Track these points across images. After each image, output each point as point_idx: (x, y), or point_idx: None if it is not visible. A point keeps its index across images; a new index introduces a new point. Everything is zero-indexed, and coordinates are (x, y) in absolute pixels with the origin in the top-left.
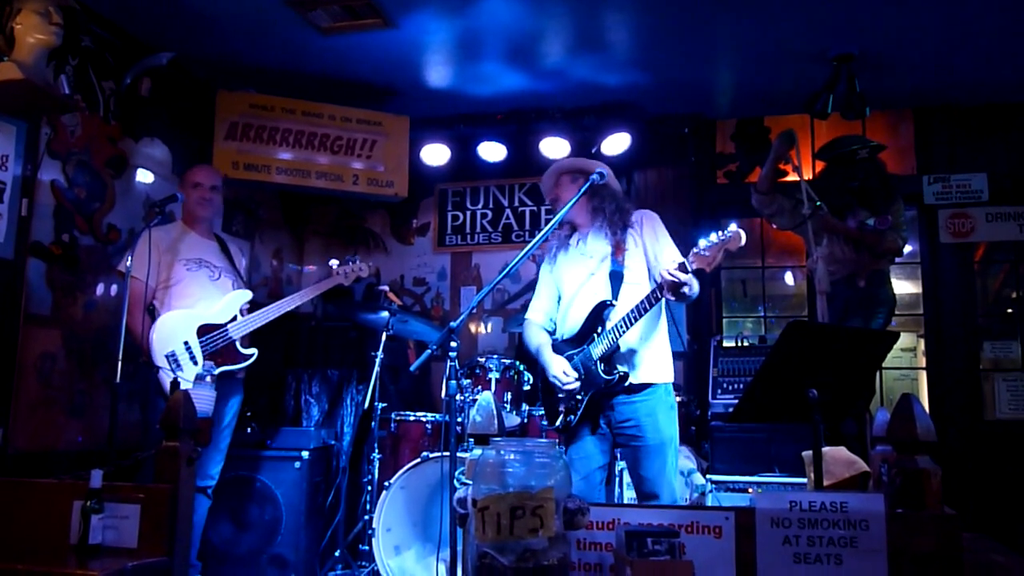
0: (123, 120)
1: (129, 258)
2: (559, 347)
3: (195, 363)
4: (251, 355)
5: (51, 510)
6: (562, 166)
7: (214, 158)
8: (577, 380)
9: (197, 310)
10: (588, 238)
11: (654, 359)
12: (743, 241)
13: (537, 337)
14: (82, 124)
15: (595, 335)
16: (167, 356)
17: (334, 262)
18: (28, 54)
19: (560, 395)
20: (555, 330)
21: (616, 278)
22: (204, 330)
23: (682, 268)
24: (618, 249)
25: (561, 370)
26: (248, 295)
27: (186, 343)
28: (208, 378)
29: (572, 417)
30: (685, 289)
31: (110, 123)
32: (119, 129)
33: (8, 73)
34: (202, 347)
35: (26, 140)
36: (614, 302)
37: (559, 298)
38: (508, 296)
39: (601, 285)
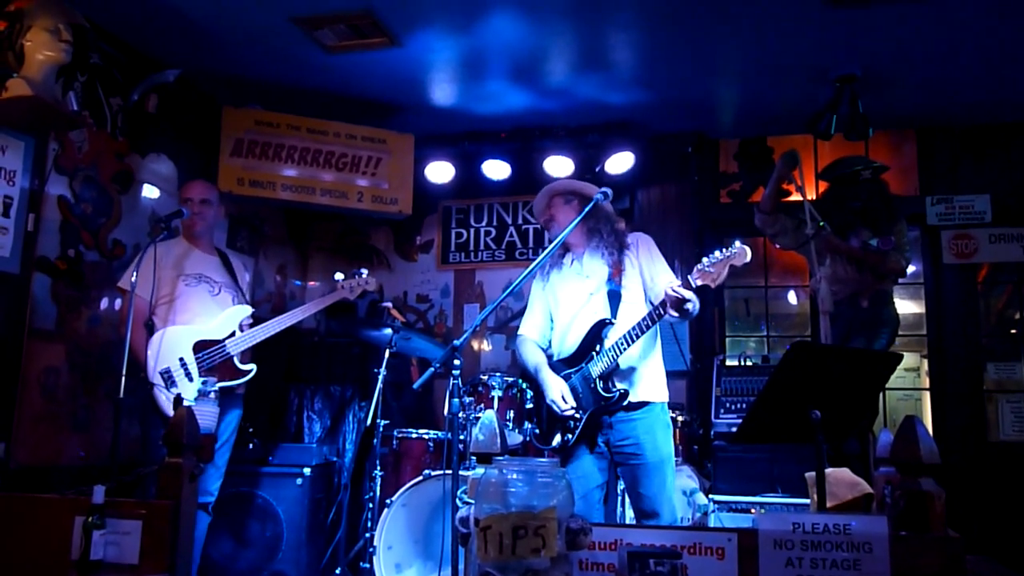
0: (130, 136)
1: (135, 274)
2: (556, 366)
3: (191, 379)
4: (250, 371)
5: (53, 525)
6: (555, 187)
7: (219, 174)
8: (574, 408)
9: (194, 326)
10: (584, 259)
11: (651, 378)
12: (748, 257)
13: (534, 355)
14: (89, 140)
15: (594, 353)
16: (162, 373)
17: (339, 275)
18: (37, 71)
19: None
20: (549, 347)
21: (615, 298)
22: (201, 346)
23: (686, 284)
24: (616, 270)
25: (560, 395)
26: (248, 310)
27: (181, 359)
28: (211, 394)
29: (570, 436)
30: (688, 306)
31: (117, 139)
32: (126, 145)
33: (17, 89)
34: (198, 363)
35: (34, 155)
36: (613, 321)
37: (553, 317)
38: (511, 314)
39: (600, 305)
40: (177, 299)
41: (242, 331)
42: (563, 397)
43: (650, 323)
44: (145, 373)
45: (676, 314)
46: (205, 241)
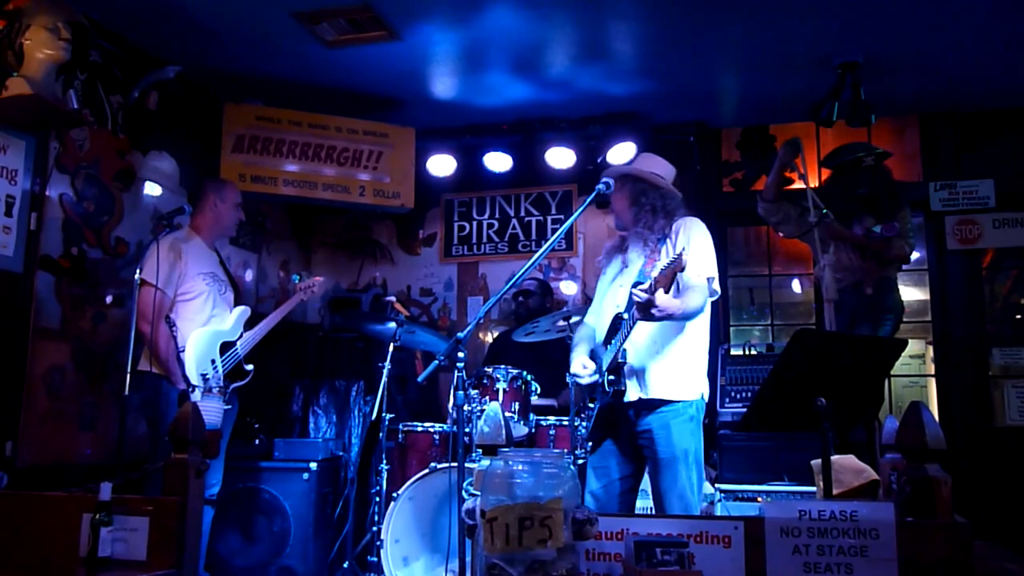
0: (131, 133)
1: (154, 269)
2: (595, 352)
3: (219, 381)
4: (251, 371)
5: (61, 523)
6: (611, 171)
7: (221, 170)
8: (594, 373)
9: (214, 326)
10: (631, 246)
11: (671, 376)
12: (683, 266)
13: (580, 337)
14: (90, 138)
15: (608, 347)
16: (202, 375)
17: (296, 277)
18: (37, 69)
19: (584, 395)
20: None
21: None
22: (224, 347)
23: (647, 289)
24: (649, 260)
25: (580, 364)
26: (249, 311)
27: (213, 361)
28: (215, 390)
29: (588, 424)
30: (653, 311)
31: (118, 136)
32: (127, 142)
33: (17, 88)
34: (224, 364)
35: (35, 154)
36: (625, 315)
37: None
38: (514, 306)
39: (623, 297)
40: (198, 297)
41: (244, 331)
42: (583, 365)
43: (631, 323)
44: (177, 375)
45: (640, 316)
46: (211, 239)
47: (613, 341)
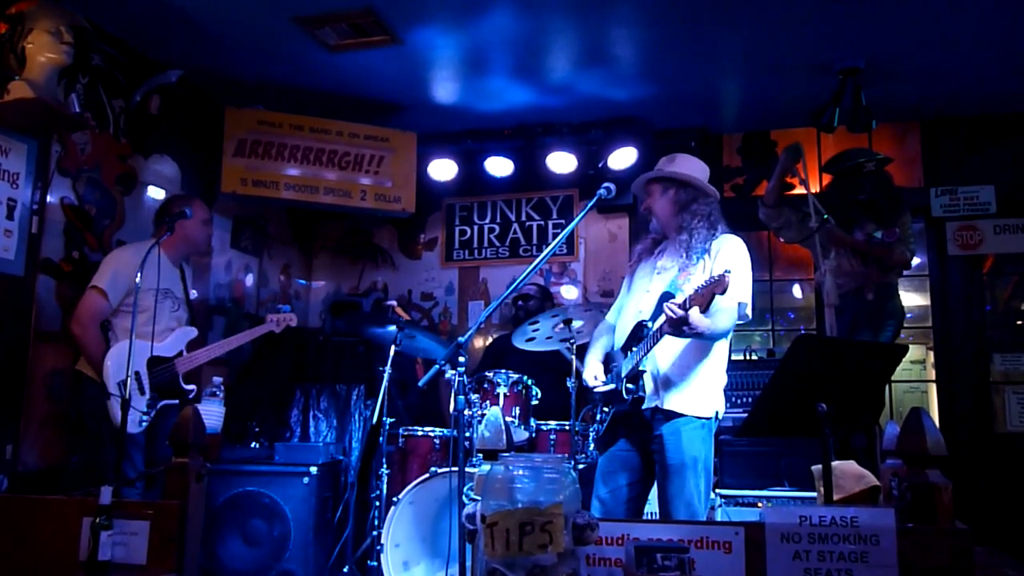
0: (133, 137)
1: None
2: (611, 355)
3: (144, 394)
4: (192, 390)
5: (61, 527)
6: (651, 173)
7: (223, 175)
8: (606, 384)
9: (151, 341)
10: (666, 252)
11: (691, 393)
12: (725, 288)
13: (598, 335)
14: (92, 142)
15: (628, 353)
16: (119, 383)
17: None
18: (39, 73)
19: (596, 400)
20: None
21: (664, 300)
22: (153, 362)
23: (683, 305)
24: (683, 271)
25: (592, 374)
26: (194, 332)
27: (137, 373)
28: (216, 392)
29: (600, 427)
30: (685, 328)
31: (120, 140)
32: (129, 146)
33: (19, 92)
34: (151, 379)
35: (37, 158)
36: (650, 324)
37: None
38: (514, 310)
39: (650, 304)
40: (142, 313)
41: (186, 351)
42: (595, 376)
43: (660, 334)
44: (101, 380)
45: (672, 331)
46: (177, 255)
47: (635, 349)
